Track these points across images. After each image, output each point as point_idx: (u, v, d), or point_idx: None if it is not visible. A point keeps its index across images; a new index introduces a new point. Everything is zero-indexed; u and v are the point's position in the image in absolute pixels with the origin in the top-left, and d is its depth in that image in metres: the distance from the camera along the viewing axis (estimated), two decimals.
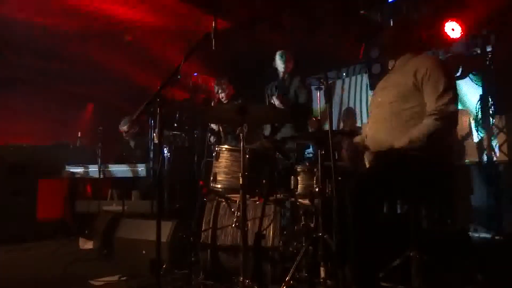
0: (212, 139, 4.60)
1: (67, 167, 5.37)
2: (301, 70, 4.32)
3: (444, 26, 4.43)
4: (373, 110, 2.66)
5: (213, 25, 2.41)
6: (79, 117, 8.49)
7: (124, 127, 5.63)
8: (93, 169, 5.19)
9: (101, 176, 5.05)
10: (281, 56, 4.26)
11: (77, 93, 8.11)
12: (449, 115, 2.30)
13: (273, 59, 4.33)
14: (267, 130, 4.19)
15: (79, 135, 6.37)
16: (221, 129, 4.55)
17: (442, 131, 2.33)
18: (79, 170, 5.34)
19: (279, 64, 4.28)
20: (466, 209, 4.43)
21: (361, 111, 6.10)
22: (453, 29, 4.41)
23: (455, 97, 2.33)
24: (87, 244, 4.38)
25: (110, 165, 5.17)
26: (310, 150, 4.67)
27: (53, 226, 5.25)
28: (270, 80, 4.50)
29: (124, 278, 3.17)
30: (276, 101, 4.02)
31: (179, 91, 6.66)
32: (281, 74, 4.32)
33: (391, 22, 4.64)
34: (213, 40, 2.39)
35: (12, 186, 5.07)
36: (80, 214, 5.07)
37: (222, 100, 4.74)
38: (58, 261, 3.79)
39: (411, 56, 2.55)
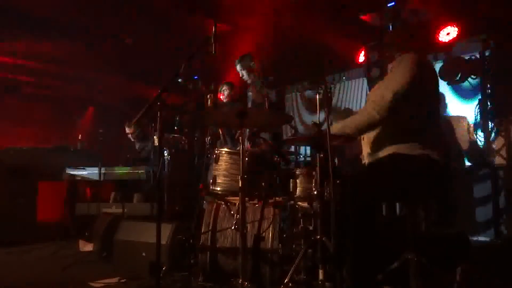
0: (210, 141, 4.61)
1: (67, 169, 5.38)
2: (263, 70, 4.07)
3: (442, 30, 4.46)
4: None
5: (213, 29, 2.44)
6: (80, 120, 8.52)
7: (128, 129, 5.69)
8: (93, 172, 5.21)
9: (101, 178, 5.07)
10: (242, 63, 4.07)
11: (78, 96, 8.15)
12: (385, 105, 2.29)
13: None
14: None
15: (79, 138, 6.39)
16: (220, 132, 4.56)
17: (375, 121, 2.36)
18: (79, 172, 5.35)
19: (243, 73, 4.11)
20: (465, 212, 4.43)
21: None
22: (451, 33, 4.44)
23: (401, 89, 2.30)
24: (86, 247, 4.39)
25: (110, 168, 5.18)
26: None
27: (53, 229, 5.25)
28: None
29: (124, 280, 3.18)
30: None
31: (179, 94, 6.68)
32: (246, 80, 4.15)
33: (390, 26, 4.66)
34: (214, 44, 2.41)
35: (12, 189, 5.08)
36: (80, 216, 5.09)
37: (223, 100, 4.79)
38: (58, 263, 3.80)
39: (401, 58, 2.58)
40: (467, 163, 4.61)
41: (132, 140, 5.83)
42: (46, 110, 7.85)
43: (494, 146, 4.53)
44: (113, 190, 5.48)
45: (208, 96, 4.69)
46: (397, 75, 2.37)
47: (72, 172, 5.36)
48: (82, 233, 4.53)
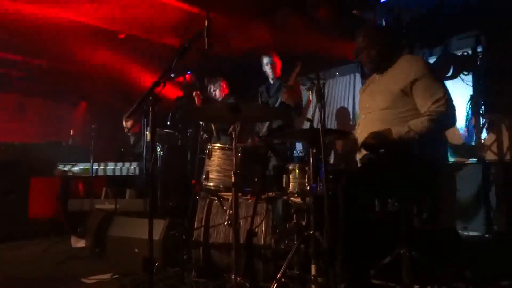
0: (204, 137, 4.60)
1: (59, 165, 5.34)
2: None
3: (434, 25, 4.47)
4: (362, 115, 2.67)
5: (206, 23, 2.42)
6: (72, 115, 8.45)
7: (127, 123, 5.65)
8: (86, 167, 5.17)
9: (94, 174, 5.04)
10: (268, 61, 4.26)
11: (70, 91, 8.07)
12: (446, 116, 2.32)
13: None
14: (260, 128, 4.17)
15: (71, 133, 6.34)
16: (213, 127, 4.55)
17: (437, 132, 2.37)
18: (71, 168, 5.32)
19: (267, 70, 4.30)
20: (456, 207, 4.47)
21: (354, 110, 6.13)
22: (443, 29, 4.45)
23: (449, 98, 2.35)
24: (79, 243, 4.37)
25: (102, 163, 5.16)
26: (300, 149, 4.70)
27: (46, 225, 5.22)
28: (263, 81, 4.49)
29: (117, 276, 3.18)
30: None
31: (172, 89, 6.64)
32: (270, 78, 4.33)
33: (384, 22, 4.66)
34: (206, 38, 2.40)
35: (3, 185, 5.03)
36: (73, 212, 5.06)
37: (217, 98, 4.77)
38: (50, 259, 3.79)
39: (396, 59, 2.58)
40: (458, 158, 4.65)
41: (129, 134, 5.80)
42: (38, 105, 7.78)
43: (485, 141, 4.56)
44: (105, 185, 5.46)
45: (194, 93, 4.68)
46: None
47: (64, 168, 5.33)
48: (75, 229, 4.51)
